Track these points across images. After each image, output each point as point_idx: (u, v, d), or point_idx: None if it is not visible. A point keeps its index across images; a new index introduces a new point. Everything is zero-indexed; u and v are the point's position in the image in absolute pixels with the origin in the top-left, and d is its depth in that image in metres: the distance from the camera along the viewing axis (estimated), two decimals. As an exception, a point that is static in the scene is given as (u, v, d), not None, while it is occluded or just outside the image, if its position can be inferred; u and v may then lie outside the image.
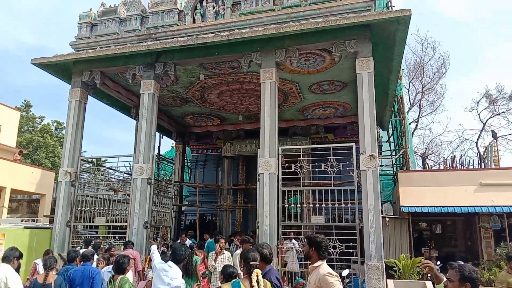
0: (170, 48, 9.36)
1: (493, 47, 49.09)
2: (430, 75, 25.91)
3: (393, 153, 16.11)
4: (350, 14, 8.46)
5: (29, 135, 31.79)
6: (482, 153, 20.98)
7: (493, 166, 15.93)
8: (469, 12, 53.23)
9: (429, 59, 25.88)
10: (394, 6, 15.83)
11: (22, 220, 12.51)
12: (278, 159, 8.55)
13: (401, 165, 15.46)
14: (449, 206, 10.94)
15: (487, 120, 24.62)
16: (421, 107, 25.96)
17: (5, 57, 57.80)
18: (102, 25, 10.99)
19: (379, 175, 8.81)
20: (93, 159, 11.66)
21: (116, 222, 9.98)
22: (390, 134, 16.38)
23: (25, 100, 34.95)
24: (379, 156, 10.28)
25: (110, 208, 10.34)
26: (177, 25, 10.25)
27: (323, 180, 9.72)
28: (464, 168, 14.98)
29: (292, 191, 8.84)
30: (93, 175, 11.21)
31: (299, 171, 8.75)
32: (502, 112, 24.30)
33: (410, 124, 22.05)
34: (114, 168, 11.55)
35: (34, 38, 67.96)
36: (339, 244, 7.98)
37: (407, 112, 19.69)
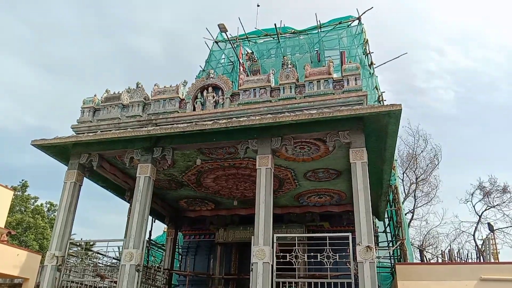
0: (169, 134, 9.60)
1: (483, 139, 50.70)
2: (423, 166, 26.39)
3: (390, 245, 15.78)
4: (343, 107, 8.86)
5: (20, 215, 31.13)
6: (480, 246, 20.56)
7: (492, 260, 15.50)
8: (456, 107, 55.87)
9: (421, 151, 26.57)
10: (385, 100, 16.69)
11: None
12: (272, 247, 8.32)
13: (399, 257, 15.04)
14: (450, 303, 10.41)
15: (483, 212, 24.55)
16: (416, 197, 26.02)
17: (5, 137, 58.89)
18: (105, 110, 11.38)
19: (377, 267, 8.54)
20: (82, 243, 11.30)
21: (99, 312, 9.36)
22: (386, 225, 16.19)
23: (22, 180, 34.77)
24: (376, 248, 10.06)
25: (95, 296, 9.78)
26: (178, 112, 10.64)
27: (319, 271, 9.38)
28: (463, 262, 14.56)
29: (287, 283, 8.46)
30: (81, 259, 10.78)
31: (294, 261, 8.47)
32: (497, 205, 24.32)
33: (406, 214, 21.88)
34: (102, 252, 11.14)
35: (36, 120, 69.87)
36: None
37: (403, 203, 19.68)
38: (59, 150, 10.80)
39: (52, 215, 33.40)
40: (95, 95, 11.68)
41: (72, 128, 11.30)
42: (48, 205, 34.85)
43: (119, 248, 10.02)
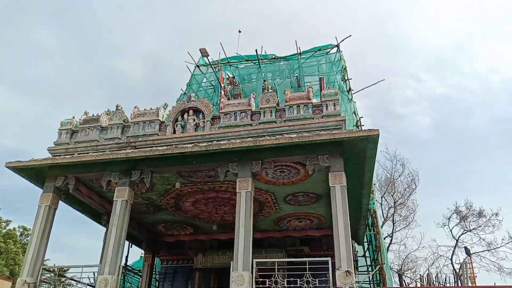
0: (149, 157, 9.51)
1: (459, 164, 51.93)
2: (401, 191, 26.73)
3: (370, 269, 15.77)
4: (322, 131, 9.00)
5: (-10, 240, 29.94)
6: (457, 270, 20.74)
7: (469, 284, 15.65)
8: (433, 132, 57.33)
9: (399, 175, 26.96)
10: (363, 125, 17.00)
11: None
12: (252, 272, 8.21)
13: (378, 281, 15.01)
14: (430, 328, 10.42)
15: (460, 236, 24.86)
16: (394, 221, 26.21)
17: (-23, 158, 57.10)
18: (83, 132, 11.22)
19: (356, 292, 8.51)
20: (55, 269, 10.89)
21: None
22: (365, 249, 16.22)
23: (-7, 203, 33.59)
24: (355, 272, 10.03)
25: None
26: (158, 135, 10.58)
27: (298, 296, 9.26)
28: (441, 286, 14.66)
29: (266, 309, 8.32)
30: (53, 286, 10.36)
31: (273, 287, 8.36)
32: (473, 229, 24.70)
33: (384, 238, 21.99)
34: (77, 279, 10.75)
35: (12, 142, 68.11)
36: None
37: (381, 227, 19.81)
38: (34, 173, 10.53)
39: (25, 240, 32.24)
40: (73, 117, 11.52)
41: (48, 150, 11.07)
42: (21, 230, 33.67)
43: (94, 274, 9.69)
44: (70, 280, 12.24)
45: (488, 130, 57.16)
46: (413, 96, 61.41)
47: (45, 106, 71.10)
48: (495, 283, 14.14)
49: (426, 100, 60.68)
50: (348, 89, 17.23)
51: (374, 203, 15.01)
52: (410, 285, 21.55)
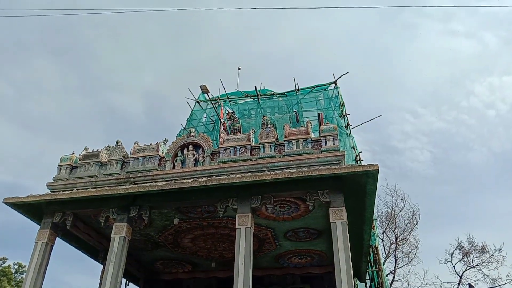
0: (147, 192, 9.46)
1: (459, 199, 51.64)
2: (403, 226, 26.40)
3: (373, 307, 15.36)
4: (321, 166, 9.01)
5: (-17, 278, 29.18)
6: (463, 309, 20.17)
7: (476, 324, 15.18)
8: (433, 167, 57.35)
9: (400, 210, 26.70)
10: (362, 160, 17.04)
11: None
12: (252, 312, 7.99)
13: (382, 320, 14.58)
14: None
15: (463, 272, 24.34)
16: (396, 258, 25.73)
17: (-25, 195, 56.59)
18: (82, 168, 11.21)
19: (360, 332, 8.25)
20: (49, 308, 10.60)
21: None
22: (368, 286, 15.83)
23: (-12, 240, 33.03)
24: (358, 311, 9.77)
25: None
26: (157, 170, 10.57)
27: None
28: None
29: None
30: (46, 327, 10.05)
31: (274, 327, 8.12)
32: (477, 265, 24.23)
33: (387, 275, 21.54)
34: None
35: (10, 177, 67.72)
36: None
37: (383, 263, 19.44)
38: (32, 209, 10.43)
39: (20, 277, 31.44)
40: (73, 153, 11.55)
41: (47, 185, 11.02)
42: (16, 266, 32.92)
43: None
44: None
45: (487, 164, 57.18)
46: (411, 131, 61.85)
47: (45, 141, 71.30)
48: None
49: (424, 135, 61.06)
50: (346, 125, 17.41)
51: (375, 239, 14.81)
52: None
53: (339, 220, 8.43)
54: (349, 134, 17.12)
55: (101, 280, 9.95)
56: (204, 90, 16.68)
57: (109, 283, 8.99)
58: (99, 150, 11.44)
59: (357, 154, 16.97)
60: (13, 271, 32.38)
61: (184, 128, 18.26)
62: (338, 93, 17.62)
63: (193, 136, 10.95)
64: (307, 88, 18.20)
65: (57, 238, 10.46)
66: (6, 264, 32.47)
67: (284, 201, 9.43)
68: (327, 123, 12.33)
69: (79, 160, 11.36)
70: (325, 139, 9.79)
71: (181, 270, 14.31)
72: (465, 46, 63.02)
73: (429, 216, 47.85)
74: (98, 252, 12.20)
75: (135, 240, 11.50)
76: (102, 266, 11.91)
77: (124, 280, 13.88)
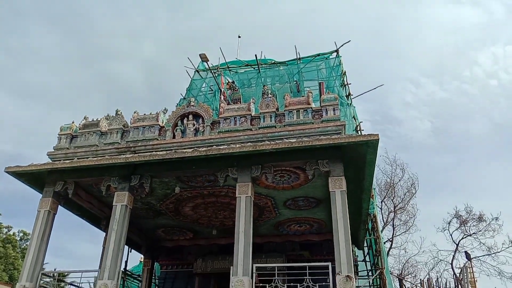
0: (148, 161, 9.51)
1: (458, 169, 51.98)
2: (401, 195, 26.72)
3: (370, 273, 15.71)
4: (322, 136, 9.01)
5: (-11, 245, 29.83)
6: (458, 275, 20.68)
7: (470, 289, 15.60)
8: (433, 137, 57.42)
9: (398, 180, 26.96)
10: (363, 130, 17.00)
11: None
12: (252, 278, 8.19)
13: (378, 286, 14.96)
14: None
15: (460, 241, 24.83)
16: (394, 226, 26.18)
17: (-24, 164, 56.91)
18: (82, 137, 11.21)
19: (357, 297, 8.48)
20: (55, 274, 10.86)
21: None
22: (365, 253, 16.16)
23: (-7, 208, 33.52)
24: (355, 277, 10.01)
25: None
26: (157, 139, 10.58)
27: (298, 301, 9.22)
28: (442, 290, 14.61)
29: (266, 314, 8.29)
30: (52, 292, 10.33)
31: (273, 292, 8.33)
32: (473, 233, 24.67)
33: (385, 243, 21.95)
34: (76, 284, 10.72)
35: (11, 147, 68.04)
36: None
37: (381, 231, 19.77)
38: (34, 178, 10.52)
39: (24, 245, 32.13)
40: (73, 122, 11.53)
41: (48, 155, 11.06)
42: (21, 234, 33.57)
43: (94, 278, 9.67)
44: (69, 285, 12.19)
45: (488, 135, 57.27)
46: (412, 100, 61.62)
47: (44, 111, 71.15)
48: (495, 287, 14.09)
49: (425, 105, 60.83)
50: (347, 94, 17.26)
51: (374, 208, 14.97)
52: (411, 290, 21.47)
53: (338, 189, 8.50)
54: (350, 104, 17.01)
55: (104, 247, 10.15)
56: (204, 58, 16.42)
57: (112, 250, 9.18)
58: (99, 119, 11.40)
59: (357, 124, 16.92)
60: (18, 238, 33.06)
61: (184, 98, 18.14)
62: (339, 62, 17.38)
63: (193, 105, 10.89)
64: (308, 57, 17.92)
65: (60, 206, 10.61)
66: (11, 232, 33.11)
67: (284, 170, 9.47)
68: (328, 93, 12.23)
69: (79, 129, 11.35)
70: (326, 109, 9.73)
71: (182, 238, 14.58)
72: (470, 15, 61.79)
73: (428, 185, 48.39)
74: (100, 220, 12.39)
75: (136, 208, 11.65)
76: (104, 233, 12.13)
77: (126, 247, 14.18)
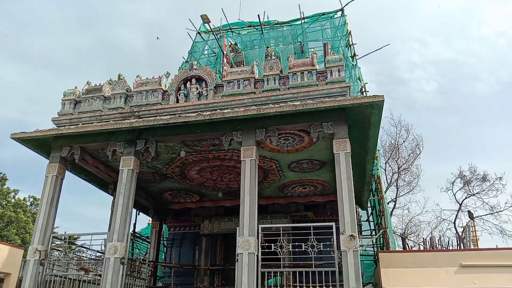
0: (153, 126, 9.53)
1: (464, 129, 51.78)
2: (405, 156, 26.81)
3: (373, 233, 16.03)
4: (326, 98, 8.92)
5: (0, 209, 30.56)
6: (460, 234, 21.08)
7: (472, 247, 15.92)
8: (438, 98, 56.78)
9: (403, 141, 26.98)
10: (368, 91, 16.85)
11: (-20, 303, 11.55)
12: (257, 238, 8.39)
13: (382, 245, 15.31)
14: (431, 289, 10.68)
15: (463, 200, 25.12)
16: (398, 187, 26.45)
17: (-17, 130, 57.41)
18: (86, 102, 11.20)
19: (360, 255, 8.69)
20: (66, 237, 11.18)
21: (84, 305, 9.32)
22: (369, 214, 16.43)
23: (0, 173, 34.03)
24: (359, 236, 10.22)
25: (79, 290, 9.72)
26: (161, 104, 10.55)
27: (303, 260, 9.47)
28: (444, 249, 14.92)
29: (272, 273, 8.55)
30: (64, 253, 10.67)
31: (279, 251, 8.55)
32: (477, 193, 24.91)
33: (388, 203, 22.26)
34: (86, 246, 11.05)
35: (16, 113, 68.24)
36: (320, 331, 7.58)
37: (385, 192, 20.01)
38: (39, 143, 10.62)
39: (34, 210, 32.88)
40: (75, 87, 11.48)
41: (53, 120, 11.11)
42: (31, 199, 34.30)
43: (104, 241, 9.95)
44: (80, 248, 12.57)
45: (494, 95, 56.48)
46: (419, 61, 60.31)
47: (47, 77, 70.62)
48: (497, 246, 14.37)
49: (432, 65, 59.68)
50: (352, 55, 16.97)
51: (378, 169, 15.08)
52: (413, 249, 21.96)
53: (342, 151, 8.52)
54: (355, 64, 16.75)
55: (112, 211, 10.37)
56: (206, 20, 16.08)
57: (120, 214, 9.38)
58: (102, 84, 11.34)
59: (362, 85, 16.75)
60: (28, 204, 33.81)
61: (186, 61, 17.93)
62: (344, 22, 16.96)
63: (195, 69, 10.77)
64: (313, 16, 17.50)
65: (67, 171, 10.76)
66: (20, 196, 33.78)
67: (288, 133, 9.48)
68: (333, 54, 12.03)
69: (82, 94, 11.32)
70: (331, 70, 9.59)
71: (189, 200, 14.85)
72: (479, -31, 59.38)
73: (432, 146, 48.29)
74: (107, 184, 12.59)
75: (143, 172, 11.80)
76: (112, 197, 12.36)
77: (134, 210, 14.48)
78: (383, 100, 8.13)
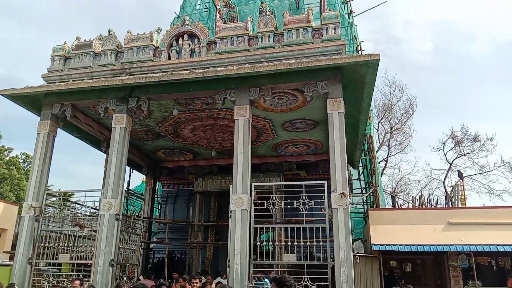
0: (144, 83, 9.38)
1: (457, 90, 51.71)
2: (398, 116, 26.90)
3: (364, 191, 16.34)
4: (321, 56, 8.78)
5: (-6, 167, 30.56)
6: (449, 193, 21.57)
7: (460, 206, 16.35)
8: (433, 58, 56.22)
9: (397, 101, 26.97)
10: (363, 50, 16.60)
11: (-21, 257, 11.79)
12: (250, 195, 8.51)
13: (372, 203, 15.66)
14: (418, 245, 11.07)
15: (453, 160, 25.53)
16: (390, 146, 26.72)
17: (-28, 86, 56.08)
18: (76, 58, 10.93)
19: (350, 212, 8.89)
20: (60, 193, 11.27)
21: (80, 259, 9.55)
22: (360, 172, 16.67)
23: (-7, 131, 33.70)
24: (350, 194, 10.42)
25: (75, 244, 9.92)
26: (152, 61, 10.32)
27: (295, 217, 9.71)
28: (433, 207, 15.31)
29: (264, 229, 8.75)
30: (59, 210, 10.80)
31: (271, 208, 8.71)
32: (467, 153, 25.29)
33: (379, 163, 22.56)
34: (81, 203, 11.18)
35: (4, 70, 66.71)
36: (310, 284, 7.88)
37: (377, 151, 20.20)
38: (30, 100, 10.44)
39: (27, 167, 32.91)
40: (65, 43, 11.16)
41: (42, 77, 10.87)
42: (24, 156, 34.24)
43: (97, 198, 10.05)
44: (75, 204, 12.72)
45: (489, 55, 56.01)
46: (415, 19, 59.17)
47: (35, 33, 68.51)
48: (484, 204, 14.77)
49: (428, 24, 58.59)
50: (349, 12, 16.58)
51: (370, 129, 15.15)
52: (403, 206, 22.51)
53: (336, 110, 8.49)
54: (352, 22, 16.41)
55: (106, 168, 10.39)
56: (198, -27, 15.48)
57: (113, 171, 9.42)
58: (92, 39, 11.02)
59: (358, 44, 16.47)
60: (21, 161, 33.77)
61: (178, 16, 17.43)
62: (341, -23, 16.44)
63: (187, 24, 10.46)
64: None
65: (59, 129, 10.67)
66: (12, 154, 33.70)
67: (282, 92, 9.39)
68: (329, 10, 11.70)
69: (72, 50, 11.01)
70: (327, 27, 9.37)
71: (182, 158, 14.92)
72: None
73: (426, 106, 48.44)
74: (100, 142, 12.56)
75: (136, 130, 11.75)
76: (106, 155, 12.37)
77: (128, 168, 14.55)
78: (379, 59, 8.02)
